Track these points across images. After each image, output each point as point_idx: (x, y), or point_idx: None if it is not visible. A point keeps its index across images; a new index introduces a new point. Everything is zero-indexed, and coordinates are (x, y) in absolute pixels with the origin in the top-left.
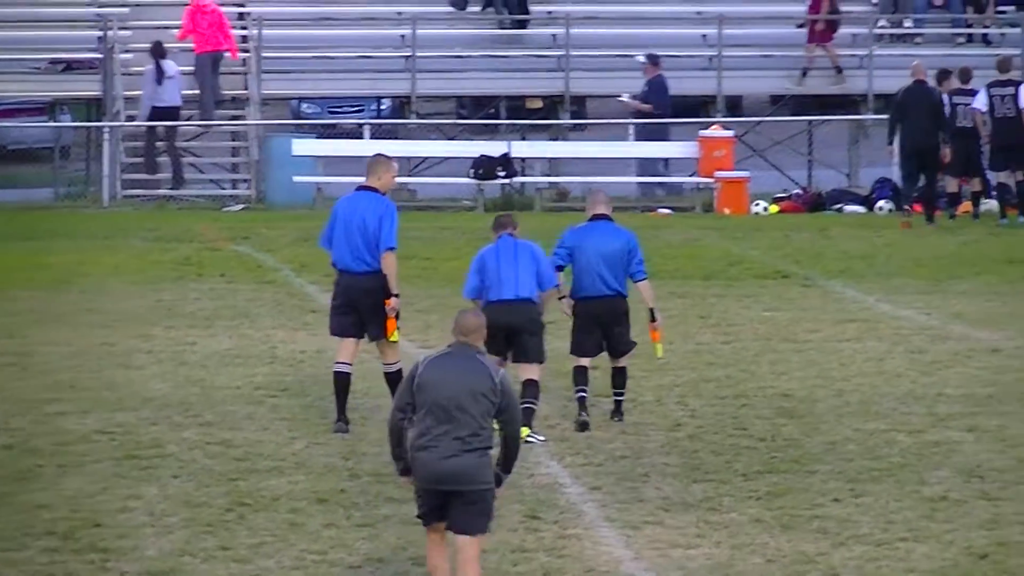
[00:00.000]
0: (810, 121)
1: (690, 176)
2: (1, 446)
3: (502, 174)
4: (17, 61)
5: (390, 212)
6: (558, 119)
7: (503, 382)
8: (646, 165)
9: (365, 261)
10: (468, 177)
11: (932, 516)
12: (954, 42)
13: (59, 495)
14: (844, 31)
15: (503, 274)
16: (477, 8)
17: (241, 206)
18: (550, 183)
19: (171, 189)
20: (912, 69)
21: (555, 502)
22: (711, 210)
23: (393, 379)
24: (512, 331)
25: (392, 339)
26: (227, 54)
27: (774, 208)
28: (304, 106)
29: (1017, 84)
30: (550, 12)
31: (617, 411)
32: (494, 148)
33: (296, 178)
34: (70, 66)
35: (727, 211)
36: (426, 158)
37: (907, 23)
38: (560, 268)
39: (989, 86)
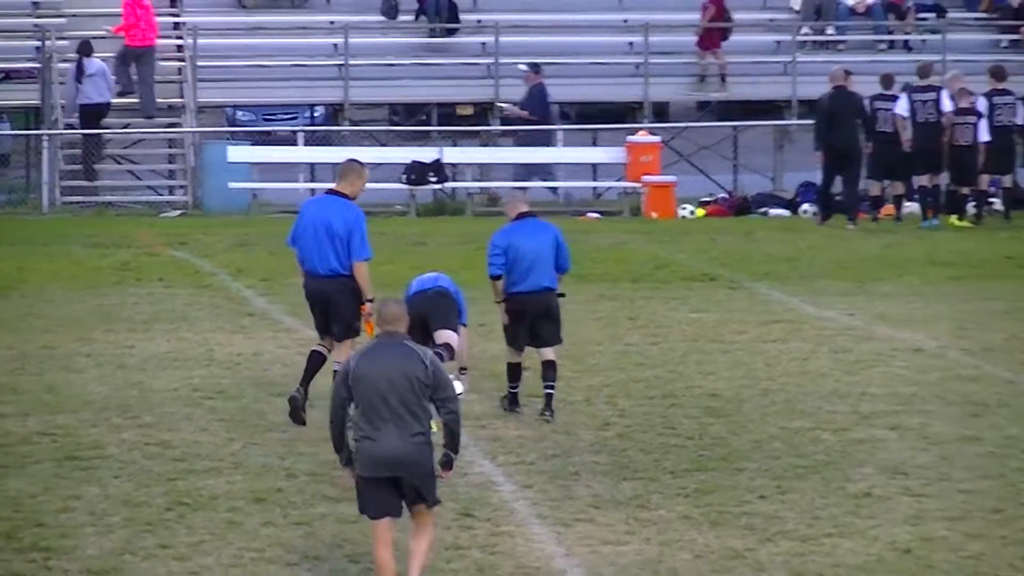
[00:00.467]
0: (735, 127)
1: (618, 181)
2: None
3: (434, 179)
4: None
5: (359, 221)
6: (488, 126)
7: (434, 363)
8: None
9: (329, 265)
10: (400, 183)
11: (857, 512)
12: (876, 48)
13: (1, 495)
14: (768, 38)
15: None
16: (408, 17)
17: (178, 212)
18: (481, 188)
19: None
20: (831, 75)
21: (488, 500)
22: (639, 214)
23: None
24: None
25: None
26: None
27: (700, 212)
28: (239, 114)
29: (938, 90)
30: (479, 21)
31: (548, 406)
32: (426, 154)
33: (232, 184)
34: (9, 76)
35: (655, 215)
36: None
37: (830, 30)
38: (499, 277)
39: (910, 91)
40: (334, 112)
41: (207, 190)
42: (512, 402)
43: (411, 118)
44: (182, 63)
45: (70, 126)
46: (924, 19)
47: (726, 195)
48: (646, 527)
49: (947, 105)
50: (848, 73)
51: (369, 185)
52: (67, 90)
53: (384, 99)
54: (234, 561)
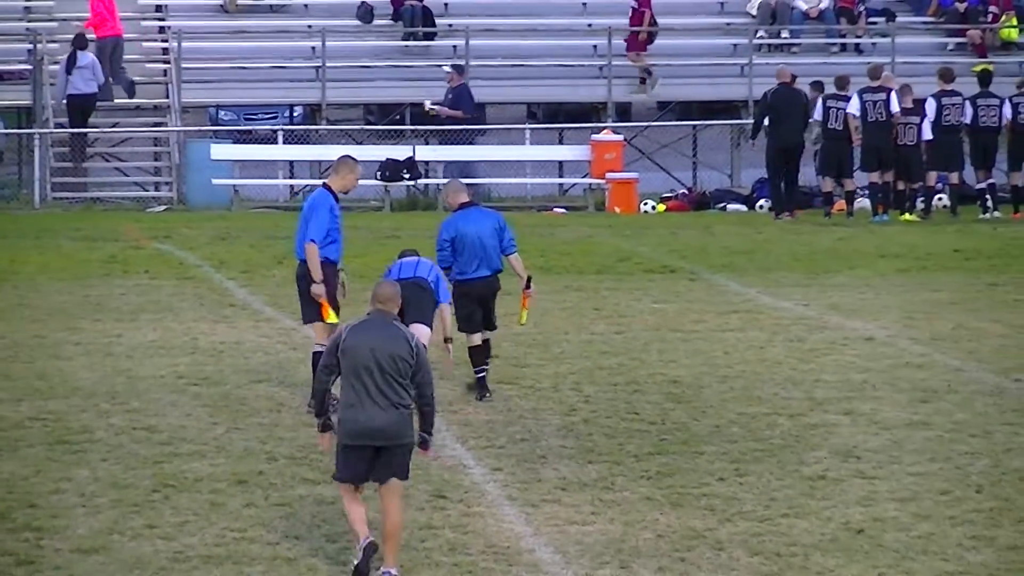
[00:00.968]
0: (694, 126)
1: (583, 177)
2: None
3: (407, 176)
4: None
5: (316, 206)
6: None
7: (418, 346)
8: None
9: (299, 251)
10: (375, 179)
11: (811, 494)
12: (828, 51)
13: None
14: (725, 41)
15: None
16: (384, 21)
17: (163, 207)
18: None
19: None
20: (777, 73)
21: (460, 482)
22: (603, 209)
23: (316, 359)
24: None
25: (330, 320)
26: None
27: (661, 207)
28: (221, 113)
29: (888, 91)
30: (451, 25)
31: (482, 387)
32: (400, 152)
33: (214, 181)
34: (1, 77)
35: (618, 210)
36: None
37: (784, 33)
38: (449, 268)
39: (861, 92)
40: (312, 112)
41: (191, 186)
42: (481, 388)
43: (385, 117)
44: (167, 65)
45: (60, 125)
46: (874, 23)
47: (686, 191)
48: (610, 508)
49: (896, 105)
50: (794, 77)
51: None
52: (58, 80)
53: (360, 99)
54: (217, 540)
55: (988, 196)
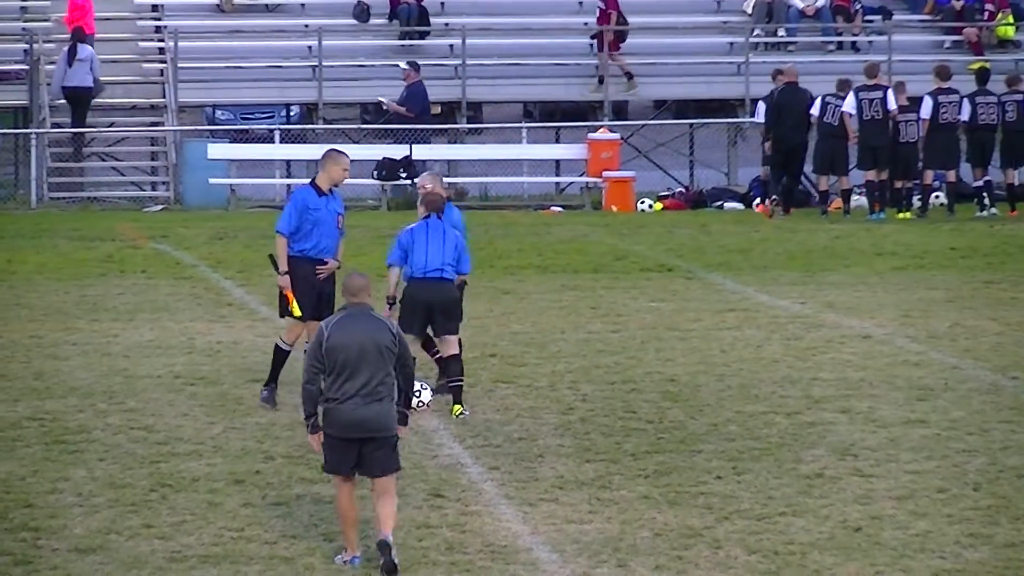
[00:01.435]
0: (691, 124)
1: (579, 176)
2: None
3: (404, 175)
4: None
5: (291, 200)
6: (456, 124)
7: (399, 333)
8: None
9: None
10: (372, 178)
11: (809, 492)
12: (825, 49)
13: None
14: (722, 40)
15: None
16: (380, 20)
17: (160, 207)
18: (448, 183)
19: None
20: (786, 71)
21: (457, 481)
22: (599, 208)
23: (275, 352)
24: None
25: (295, 314)
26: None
27: (658, 206)
28: (218, 113)
29: (885, 88)
30: (447, 24)
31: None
32: (396, 151)
33: (211, 180)
34: None
35: (614, 209)
36: None
37: (781, 32)
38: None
39: (857, 90)
40: (308, 111)
41: (188, 186)
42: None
43: (382, 117)
44: (164, 65)
45: (57, 125)
46: (871, 21)
47: (682, 189)
48: (608, 507)
49: (893, 103)
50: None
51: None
52: (56, 72)
53: (356, 99)
54: (215, 540)
55: (985, 194)
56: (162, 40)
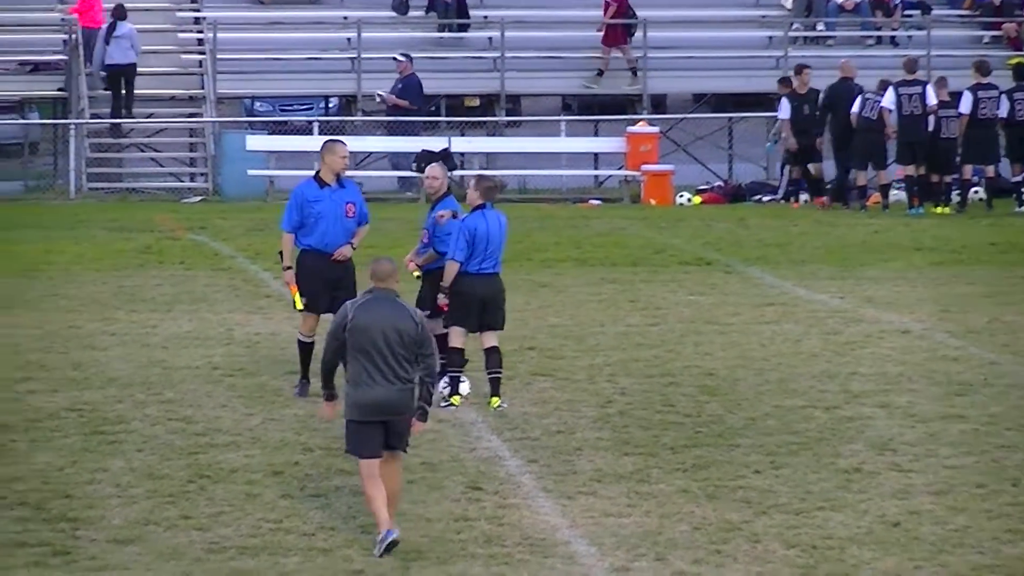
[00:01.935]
0: (730, 118)
1: (618, 169)
2: None
3: (413, 166)
4: None
5: (291, 195)
6: (494, 116)
7: (422, 322)
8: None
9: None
10: (410, 171)
11: (847, 487)
12: (864, 44)
13: (31, 468)
14: (760, 34)
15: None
16: (419, 13)
17: (198, 198)
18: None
19: None
20: (841, 67)
21: (495, 474)
22: (638, 201)
23: (299, 347)
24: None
25: (296, 307)
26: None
27: (697, 199)
28: (257, 104)
29: (923, 84)
30: (486, 16)
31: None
32: (435, 143)
33: (250, 172)
34: (37, 67)
35: (653, 202)
36: (371, 153)
37: (820, 26)
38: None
39: (896, 85)
40: (347, 103)
41: (226, 177)
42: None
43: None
44: (203, 56)
45: (96, 116)
46: (910, 16)
47: (721, 183)
48: (646, 500)
49: (933, 99)
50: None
51: (380, 173)
52: (96, 51)
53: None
54: (252, 531)
55: (1023, 189)
56: (201, 31)
